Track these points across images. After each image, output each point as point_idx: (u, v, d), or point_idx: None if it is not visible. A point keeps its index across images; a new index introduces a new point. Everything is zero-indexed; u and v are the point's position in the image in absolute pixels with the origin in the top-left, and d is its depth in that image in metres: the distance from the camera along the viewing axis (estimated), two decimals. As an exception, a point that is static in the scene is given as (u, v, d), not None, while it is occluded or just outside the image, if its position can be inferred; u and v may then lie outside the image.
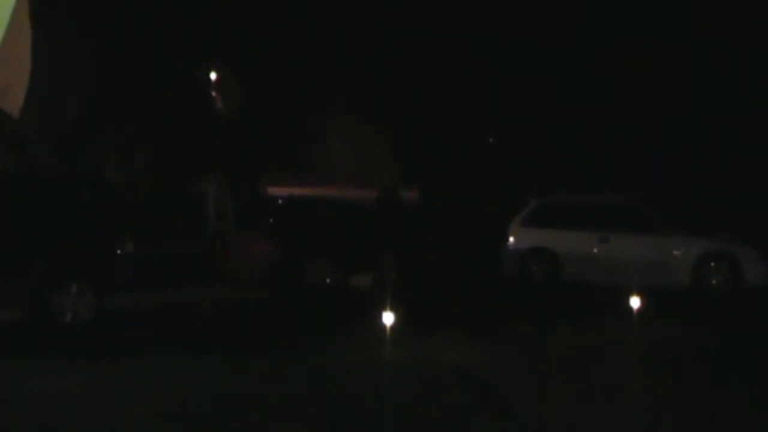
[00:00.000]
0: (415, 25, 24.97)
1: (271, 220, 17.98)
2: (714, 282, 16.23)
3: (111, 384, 9.06)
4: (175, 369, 9.84)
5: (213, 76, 24.48)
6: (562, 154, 25.06)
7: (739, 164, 23.22)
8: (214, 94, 24.44)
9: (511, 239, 17.82)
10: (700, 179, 23.22)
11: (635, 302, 13.71)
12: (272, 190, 24.71)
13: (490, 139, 26.80)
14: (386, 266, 17.17)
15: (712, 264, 16.26)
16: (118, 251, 12.99)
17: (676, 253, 16.47)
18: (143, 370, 9.77)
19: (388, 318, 11.53)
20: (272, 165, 26.40)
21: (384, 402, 8.58)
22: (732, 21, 22.71)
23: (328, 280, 16.58)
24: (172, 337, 12.03)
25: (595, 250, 16.96)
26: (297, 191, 22.16)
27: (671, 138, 24.06)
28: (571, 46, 23.85)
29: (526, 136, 25.42)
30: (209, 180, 23.85)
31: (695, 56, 23.21)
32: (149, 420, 7.75)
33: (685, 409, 8.30)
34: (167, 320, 13.56)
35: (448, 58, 24.83)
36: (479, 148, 26.68)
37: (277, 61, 25.52)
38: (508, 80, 24.58)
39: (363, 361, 10.35)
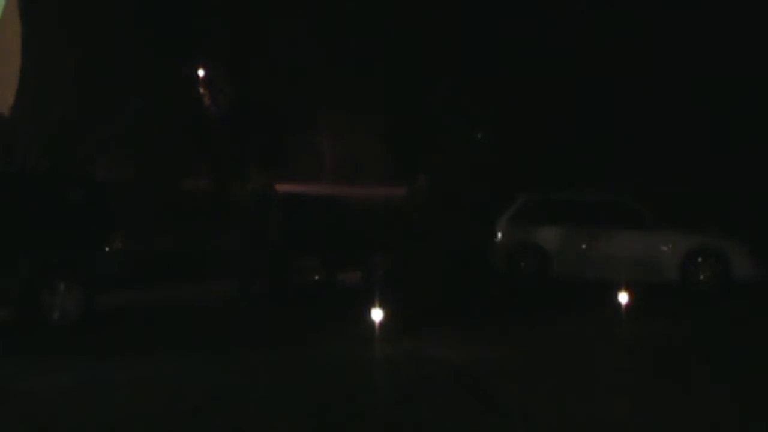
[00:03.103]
0: (406, 21, 24.98)
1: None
2: (702, 277, 16.27)
3: (99, 383, 9.05)
4: (165, 367, 9.84)
5: (201, 73, 24.43)
6: (551, 150, 25.09)
7: (730, 158, 23.30)
8: (202, 91, 24.38)
9: (500, 235, 17.83)
10: (690, 174, 23.29)
11: (623, 298, 13.75)
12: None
13: (478, 135, 26.82)
14: (375, 263, 17.16)
15: (700, 259, 16.31)
16: (107, 249, 12.96)
17: (664, 248, 16.50)
18: (132, 368, 9.76)
19: (376, 315, 11.54)
20: (261, 162, 26.36)
21: (373, 398, 8.60)
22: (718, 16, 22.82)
23: (317, 277, 16.57)
24: (164, 334, 12.04)
25: (584, 246, 16.97)
26: (286, 188, 22.09)
27: (661, 132, 24.13)
28: (563, 41, 23.89)
29: (516, 132, 25.45)
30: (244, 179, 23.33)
31: (685, 54, 23.30)
32: (138, 418, 7.74)
33: (674, 403, 8.35)
34: (160, 318, 13.53)
35: (438, 54, 24.85)
36: (469, 143, 26.69)
37: (266, 57, 25.51)
38: (498, 76, 24.61)
39: (352, 357, 10.37)
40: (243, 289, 14.88)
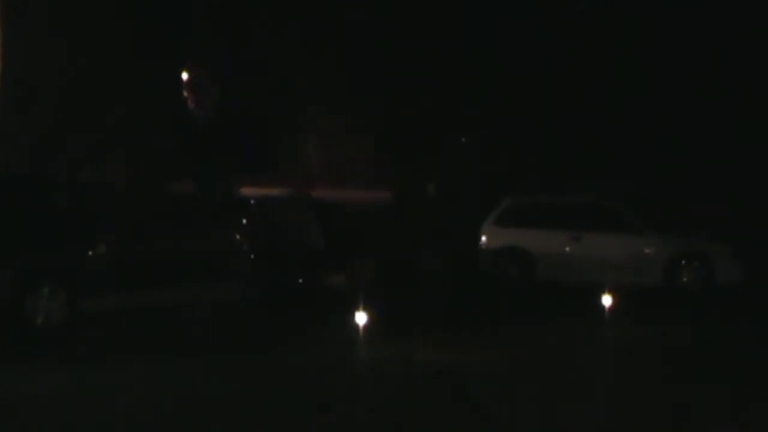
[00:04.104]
0: (395, 26, 24.97)
1: (244, 221, 17.89)
2: (686, 280, 16.36)
3: (80, 388, 9.00)
4: (148, 372, 9.78)
5: (185, 76, 24.30)
6: (538, 153, 25.13)
7: (717, 162, 23.39)
8: (186, 94, 24.24)
9: (484, 239, 17.86)
10: (676, 177, 23.36)
11: (607, 301, 13.80)
12: (247, 191, 24.60)
13: (462, 139, 26.83)
14: (360, 266, 17.14)
15: (684, 262, 16.38)
16: (92, 252, 12.90)
17: (648, 251, 16.58)
18: (115, 373, 9.70)
19: (361, 318, 11.55)
20: (247, 165, 26.30)
21: (357, 402, 8.60)
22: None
23: (301, 281, 16.53)
24: (154, 338, 11.99)
25: (568, 249, 17.03)
26: (272, 192, 22.04)
27: (648, 136, 24.20)
28: (560, 41, 23.91)
29: (504, 135, 25.47)
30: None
31: (683, 55, 23.38)
32: (128, 423, 7.71)
33: (659, 407, 8.38)
34: (150, 322, 13.40)
35: (425, 58, 24.84)
36: (456, 148, 26.71)
37: (253, 60, 25.46)
38: (486, 80, 24.63)
39: (336, 361, 10.37)
40: (235, 293, 14.87)
